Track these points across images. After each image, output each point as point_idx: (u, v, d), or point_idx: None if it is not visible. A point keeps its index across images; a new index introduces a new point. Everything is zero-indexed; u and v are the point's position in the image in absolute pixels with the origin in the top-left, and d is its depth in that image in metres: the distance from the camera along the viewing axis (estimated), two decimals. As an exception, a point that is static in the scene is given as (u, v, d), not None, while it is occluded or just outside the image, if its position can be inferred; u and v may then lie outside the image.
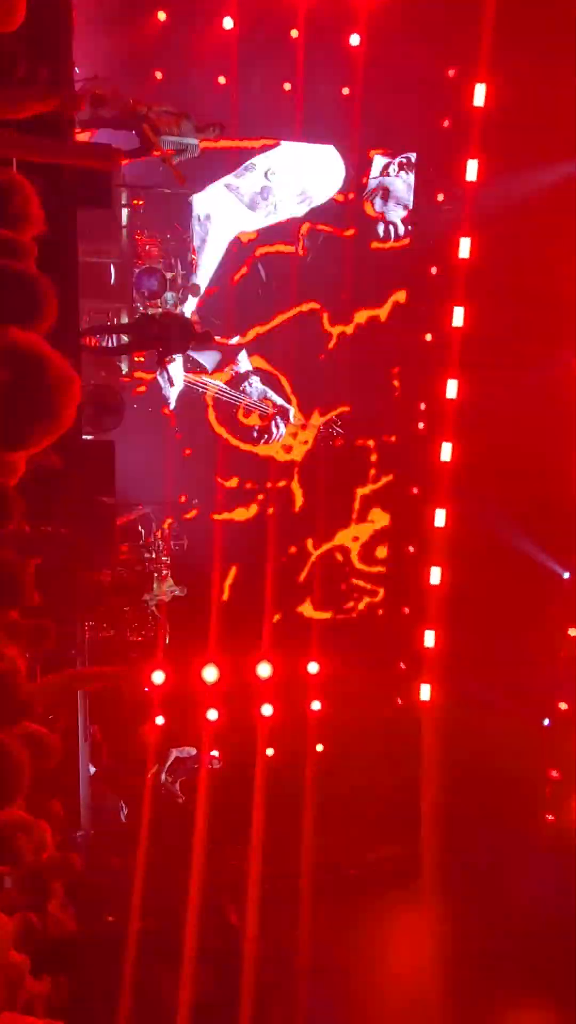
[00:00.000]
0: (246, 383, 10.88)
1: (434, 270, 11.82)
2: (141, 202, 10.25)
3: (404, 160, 11.25)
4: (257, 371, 11.04)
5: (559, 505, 10.91)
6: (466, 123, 10.60)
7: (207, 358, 10.62)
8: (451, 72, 10.94)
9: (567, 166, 10.47)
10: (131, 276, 9.60)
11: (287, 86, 10.94)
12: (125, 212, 9.57)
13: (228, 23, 10.03)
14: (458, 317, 10.98)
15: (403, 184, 11.22)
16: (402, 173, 11.19)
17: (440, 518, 11.20)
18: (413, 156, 11.30)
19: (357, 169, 11.37)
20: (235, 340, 10.80)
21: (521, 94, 10.12)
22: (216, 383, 10.86)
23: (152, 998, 8.87)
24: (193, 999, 8.95)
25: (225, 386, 10.92)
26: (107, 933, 8.87)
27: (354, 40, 10.76)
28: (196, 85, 10.59)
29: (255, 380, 10.91)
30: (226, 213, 10.18)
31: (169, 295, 9.75)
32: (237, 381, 10.98)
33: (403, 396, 12.42)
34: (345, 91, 11.20)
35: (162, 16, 10.24)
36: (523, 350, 10.82)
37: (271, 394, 11.10)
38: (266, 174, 10.24)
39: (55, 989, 5.40)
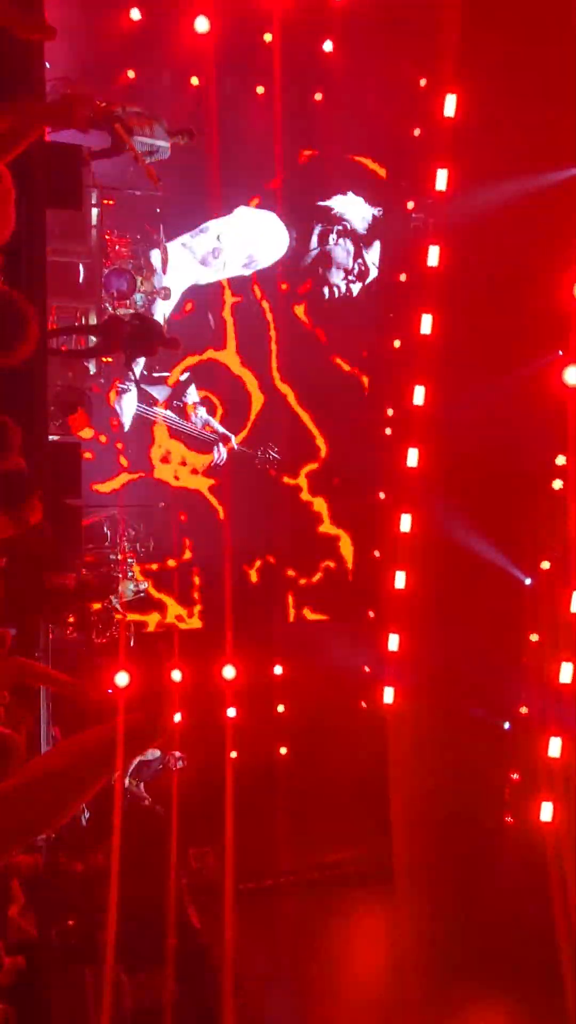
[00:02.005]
0: (193, 414, 11.74)
1: (403, 277, 11.97)
2: (111, 202, 10.20)
3: (341, 228, 11.93)
4: (205, 400, 11.83)
5: (521, 512, 11.07)
6: (436, 132, 10.70)
7: (158, 391, 11.48)
8: (422, 81, 11.05)
9: (537, 177, 10.61)
10: (100, 276, 9.54)
11: (260, 89, 10.97)
12: (95, 212, 9.51)
13: (203, 24, 9.99)
14: (426, 324, 11.08)
15: (342, 251, 12.14)
16: (341, 241, 11.77)
17: (405, 523, 11.29)
18: (350, 224, 12.08)
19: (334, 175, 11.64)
20: (185, 376, 11.56)
21: (492, 105, 10.24)
22: (166, 413, 11.61)
23: (113, 1002, 8.82)
24: (154, 1003, 8.92)
25: (173, 415, 11.68)
26: (68, 937, 8.81)
27: (327, 46, 10.82)
28: (168, 85, 10.57)
29: (201, 410, 11.69)
30: (181, 267, 11.11)
31: (138, 296, 9.72)
32: (184, 412, 11.78)
33: (370, 402, 12.56)
34: (317, 96, 11.26)
35: (136, 15, 10.19)
36: (490, 358, 10.94)
37: (213, 422, 11.81)
38: (218, 237, 11.21)
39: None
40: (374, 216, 12.27)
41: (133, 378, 10.29)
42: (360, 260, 12.27)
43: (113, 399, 11.13)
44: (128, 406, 11.25)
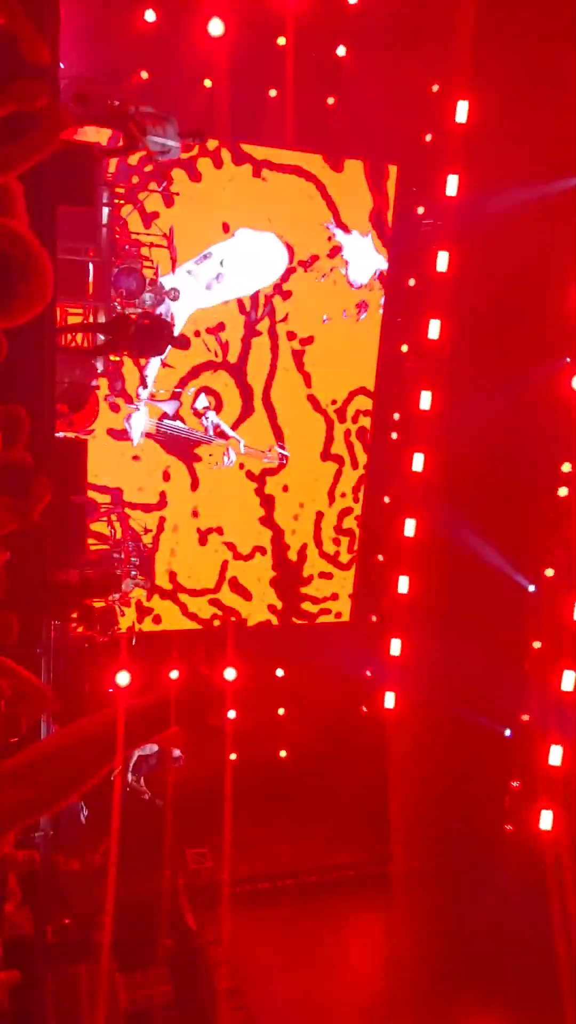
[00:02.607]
0: (203, 419, 11.87)
1: (412, 282, 11.98)
2: (121, 200, 10.21)
3: (335, 270, 12.11)
4: (212, 405, 11.97)
5: (526, 519, 11.05)
6: (448, 138, 10.72)
7: (168, 405, 11.67)
8: (435, 87, 11.07)
9: (547, 184, 10.63)
10: (109, 275, 9.54)
11: (272, 92, 10.99)
12: (105, 210, 9.51)
13: (217, 27, 10.01)
14: (434, 329, 11.09)
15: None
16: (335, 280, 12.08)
17: (410, 528, 11.28)
18: (349, 275, 12.20)
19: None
20: (191, 391, 11.73)
21: (503, 112, 10.26)
22: (175, 424, 11.77)
23: (107, 1001, 8.81)
24: (148, 1003, 8.91)
25: (183, 425, 11.81)
26: (64, 936, 8.80)
27: (341, 51, 10.84)
28: (181, 87, 10.58)
29: (211, 414, 11.84)
30: (187, 293, 11.45)
31: (147, 296, 9.71)
32: (195, 417, 11.90)
33: (377, 406, 12.57)
34: (330, 100, 11.28)
35: (151, 16, 10.22)
36: (498, 364, 10.95)
37: (224, 425, 11.93)
38: (221, 263, 11.56)
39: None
40: (379, 271, 12.15)
41: (143, 397, 10.45)
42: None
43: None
44: (137, 425, 11.44)
